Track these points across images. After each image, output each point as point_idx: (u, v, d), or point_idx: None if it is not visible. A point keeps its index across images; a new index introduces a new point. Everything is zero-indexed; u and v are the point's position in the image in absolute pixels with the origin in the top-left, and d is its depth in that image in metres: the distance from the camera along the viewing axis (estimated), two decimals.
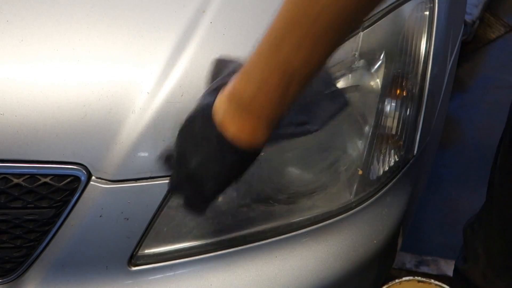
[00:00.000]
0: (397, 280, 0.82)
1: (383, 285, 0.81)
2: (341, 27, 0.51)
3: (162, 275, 0.86)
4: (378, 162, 0.91)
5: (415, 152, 0.97)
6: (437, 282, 0.80)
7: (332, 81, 0.71)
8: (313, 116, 0.68)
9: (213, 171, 0.62)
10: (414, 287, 0.82)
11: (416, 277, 0.82)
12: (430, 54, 0.94)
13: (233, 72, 0.62)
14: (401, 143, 0.94)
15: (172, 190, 0.72)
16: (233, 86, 0.58)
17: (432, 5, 0.92)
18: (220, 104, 0.59)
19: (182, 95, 0.74)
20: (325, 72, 0.69)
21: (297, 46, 0.51)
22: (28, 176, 0.74)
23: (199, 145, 0.61)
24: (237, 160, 0.60)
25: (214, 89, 0.63)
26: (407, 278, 0.81)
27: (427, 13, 0.92)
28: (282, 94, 0.54)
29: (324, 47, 0.52)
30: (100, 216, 0.77)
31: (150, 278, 0.85)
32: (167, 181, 0.77)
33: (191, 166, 0.62)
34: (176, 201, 0.80)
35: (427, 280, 0.81)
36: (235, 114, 0.57)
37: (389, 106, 0.89)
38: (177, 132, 0.65)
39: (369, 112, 0.87)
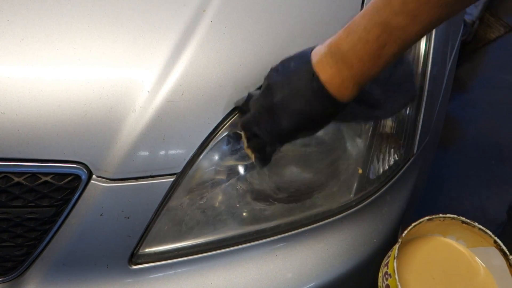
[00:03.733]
0: (441, 215, 0.81)
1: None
2: (451, 4, 0.55)
3: (163, 274, 0.86)
4: (378, 161, 0.91)
5: (414, 151, 0.97)
6: (480, 226, 0.80)
7: (409, 73, 0.75)
8: (383, 105, 0.71)
9: (297, 107, 0.64)
10: (458, 226, 0.82)
11: (460, 217, 0.81)
12: (429, 54, 0.94)
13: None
14: (401, 142, 0.95)
15: (247, 124, 0.72)
16: (334, 38, 0.63)
17: None
18: (319, 50, 0.64)
19: (182, 94, 0.75)
20: (406, 63, 0.73)
21: (398, 11, 0.56)
22: (29, 174, 0.74)
23: (291, 80, 0.65)
24: (322, 103, 0.63)
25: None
26: (451, 215, 0.81)
27: None
28: (378, 50, 0.58)
29: (427, 18, 0.56)
30: (101, 215, 0.78)
31: (151, 276, 0.86)
32: (167, 179, 0.78)
33: (277, 97, 0.65)
34: (177, 201, 0.80)
35: (471, 223, 0.80)
36: (331, 62, 0.61)
37: None
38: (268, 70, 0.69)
39: None
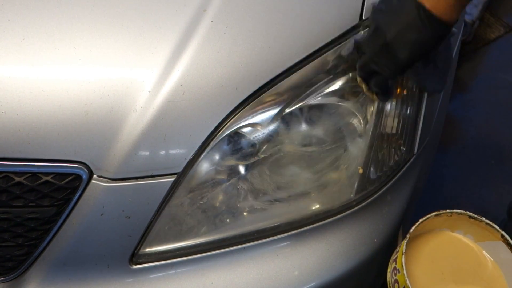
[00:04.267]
0: (448, 211, 0.82)
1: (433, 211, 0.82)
2: None
3: (163, 273, 0.86)
4: (379, 161, 0.91)
5: (415, 151, 0.98)
6: (488, 221, 0.81)
7: (448, 42, 0.81)
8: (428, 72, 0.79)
9: (410, 39, 0.69)
10: (465, 221, 0.83)
11: (467, 212, 0.82)
12: None
13: None
14: (401, 142, 0.95)
15: (366, 64, 0.76)
16: None
17: None
18: None
19: (183, 94, 0.75)
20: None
21: None
22: (30, 174, 0.74)
23: (398, 16, 0.69)
24: (433, 30, 0.68)
25: None
26: (458, 210, 0.82)
27: None
28: None
29: None
30: (102, 215, 0.78)
31: (151, 276, 0.86)
32: (168, 179, 0.78)
33: (390, 35, 0.70)
34: (180, 199, 0.80)
35: (479, 217, 0.81)
36: None
37: (389, 105, 0.89)
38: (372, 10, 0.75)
39: (370, 111, 0.88)
